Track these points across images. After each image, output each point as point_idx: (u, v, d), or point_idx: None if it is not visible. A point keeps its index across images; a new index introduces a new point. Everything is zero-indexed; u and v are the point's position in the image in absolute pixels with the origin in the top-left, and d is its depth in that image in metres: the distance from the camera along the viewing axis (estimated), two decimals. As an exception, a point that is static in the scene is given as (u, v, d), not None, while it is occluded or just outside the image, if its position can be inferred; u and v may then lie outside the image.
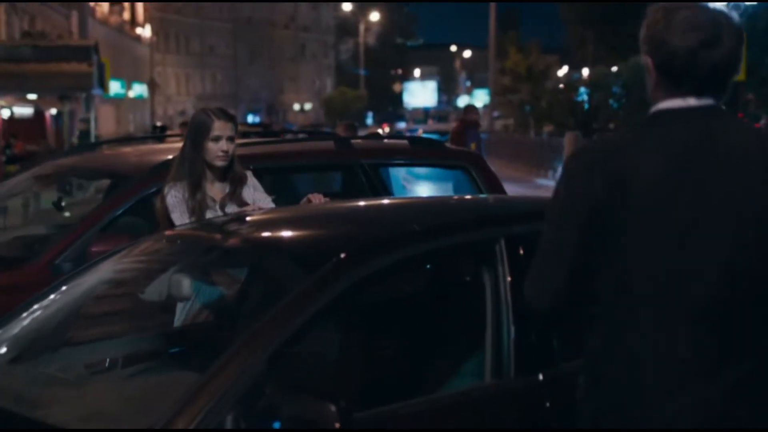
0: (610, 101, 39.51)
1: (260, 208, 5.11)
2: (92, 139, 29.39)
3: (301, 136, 10.76)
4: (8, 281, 5.76)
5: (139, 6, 70.69)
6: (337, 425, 2.87)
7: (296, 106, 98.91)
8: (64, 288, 4.38)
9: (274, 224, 4.38)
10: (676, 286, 2.56)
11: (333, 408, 2.86)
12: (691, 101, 2.64)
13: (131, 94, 62.08)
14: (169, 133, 23.78)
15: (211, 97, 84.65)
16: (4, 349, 4.10)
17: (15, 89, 28.30)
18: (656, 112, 2.68)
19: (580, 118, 40.57)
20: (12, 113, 33.20)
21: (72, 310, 4.41)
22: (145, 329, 4.86)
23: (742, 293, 2.56)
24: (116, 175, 6.62)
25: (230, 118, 5.32)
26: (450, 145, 15.81)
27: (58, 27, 45.38)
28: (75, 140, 27.97)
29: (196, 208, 5.14)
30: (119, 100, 59.85)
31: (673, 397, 2.54)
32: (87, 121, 31.08)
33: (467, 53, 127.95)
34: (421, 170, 8.34)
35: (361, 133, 15.08)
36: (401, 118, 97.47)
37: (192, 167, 5.22)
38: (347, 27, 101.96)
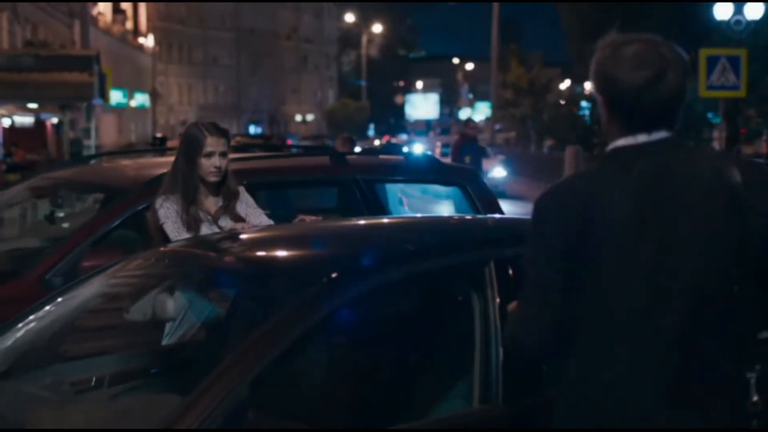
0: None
1: (253, 225, 5.07)
2: (92, 149, 29.38)
3: (296, 151, 10.67)
4: (-1, 295, 5.72)
5: (142, 16, 70.80)
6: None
7: (298, 117, 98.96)
8: (53, 303, 4.34)
9: (265, 243, 4.34)
10: (649, 316, 2.63)
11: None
12: (642, 138, 2.70)
13: (133, 103, 62.09)
14: (169, 144, 23.77)
15: (214, 108, 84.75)
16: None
17: (16, 98, 28.32)
18: (614, 149, 2.74)
19: (582, 132, 40.57)
20: (13, 122, 33.20)
21: (61, 325, 4.38)
22: (134, 346, 4.82)
23: (711, 315, 2.64)
24: (109, 188, 6.58)
25: (223, 134, 5.30)
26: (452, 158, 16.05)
27: (60, 36, 45.42)
28: (66, 149, 27.92)
29: (191, 222, 5.13)
30: (121, 110, 59.87)
31: (652, 417, 2.63)
32: (86, 130, 31.04)
33: (469, 65, 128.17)
34: (416, 187, 8.30)
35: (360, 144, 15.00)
36: (403, 129, 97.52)
37: (186, 182, 5.21)
38: (350, 39, 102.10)
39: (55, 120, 35.16)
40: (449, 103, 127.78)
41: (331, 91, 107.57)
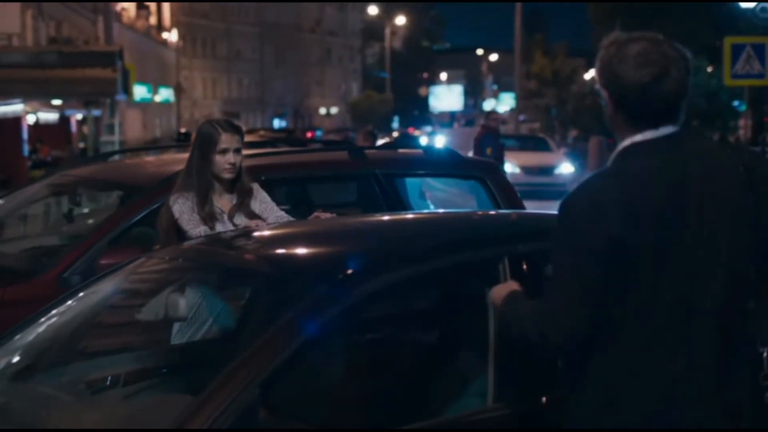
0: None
1: (268, 223, 5.06)
2: (116, 145, 29.47)
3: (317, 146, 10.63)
4: (17, 295, 5.72)
5: (166, 11, 70.99)
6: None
7: (322, 110, 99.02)
8: (70, 301, 4.34)
9: (279, 241, 4.32)
10: (693, 303, 2.75)
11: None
12: (650, 133, 2.81)
13: (157, 98, 62.33)
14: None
15: (238, 102, 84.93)
16: (9, 363, 4.06)
17: (40, 95, 28.45)
18: (631, 144, 2.83)
19: (606, 122, 40.37)
20: (37, 119, 33.37)
21: (78, 323, 4.38)
22: (150, 344, 4.82)
23: (740, 295, 2.82)
24: (128, 186, 6.58)
25: (237, 130, 5.29)
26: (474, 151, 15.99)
27: (84, 32, 45.59)
28: (79, 145, 28.01)
29: (207, 219, 5.12)
30: (146, 105, 60.11)
31: (701, 404, 2.76)
32: (110, 125, 31.15)
33: (494, 57, 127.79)
34: (438, 181, 8.27)
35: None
36: (428, 121, 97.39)
37: (200, 180, 5.20)
38: (373, 31, 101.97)
39: (79, 116, 35.31)
40: (473, 94, 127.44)
41: (355, 83, 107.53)
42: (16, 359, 4.13)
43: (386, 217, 4.88)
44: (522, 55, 46.15)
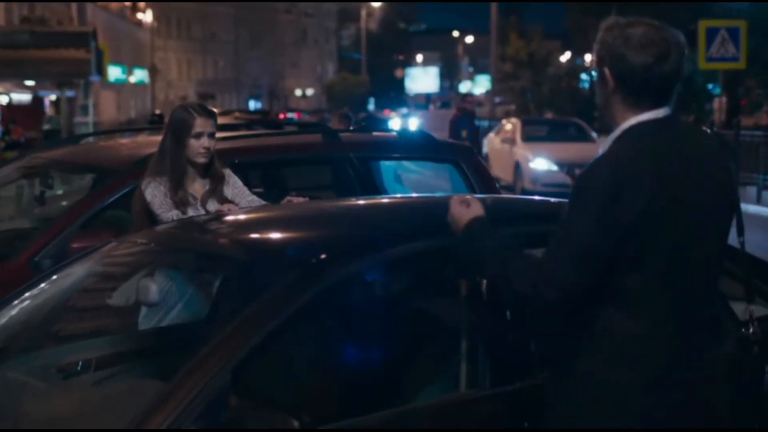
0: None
1: (240, 207, 5.03)
2: (90, 126, 29.30)
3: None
4: (-13, 279, 5.67)
5: (140, -9, 70.54)
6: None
7: (298, 92, 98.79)
8: (42, 285, 4.31)
9: (251, 225, 4.29)
10: (694, 275, 3.00)
11: (296, 423, 2.78)
12: (650, 114, 3.01)
13: (132, 79, 62.06)
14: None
15: (212, 83, 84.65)
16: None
17: (13, 75, 28.28)
18: (635, 125, 3.00)
19: (582, 105, 40.44)
20: (10, 100, 33.15)
21: (50, 307, 4.35)
22: (123, 327, 4.79)
23: (719, 265, 3.15)
24: (100, 169, 6.52)
25: (211, 115, 5.26)
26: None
27: (58, 13, 45.21)
28: (45, 126, 27.79)
29: (180, 204, 5.09)
30: (120, 86, 59.82)
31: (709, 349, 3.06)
32: (84, 106, 30.98)
33: (469, 38, 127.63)
34: (413, 164, 8.25)
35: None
36: (404, 103, 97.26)
37: (174, 164, 5.17)
38: (349, 12, 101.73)
39: (53, 97, 35.10)
40: (449, 76, 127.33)
41: (331, 65, 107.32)
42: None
43: (360, 201, 4.85)
44: (497, 37, 46.14)
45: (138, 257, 4.38)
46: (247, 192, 5.33)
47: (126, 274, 4.53)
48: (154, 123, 30.92)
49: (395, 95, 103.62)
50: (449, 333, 3.66)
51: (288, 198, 5.09)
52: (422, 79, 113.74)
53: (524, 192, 20.05)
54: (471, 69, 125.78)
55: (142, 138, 9.09)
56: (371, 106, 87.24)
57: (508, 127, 23.92)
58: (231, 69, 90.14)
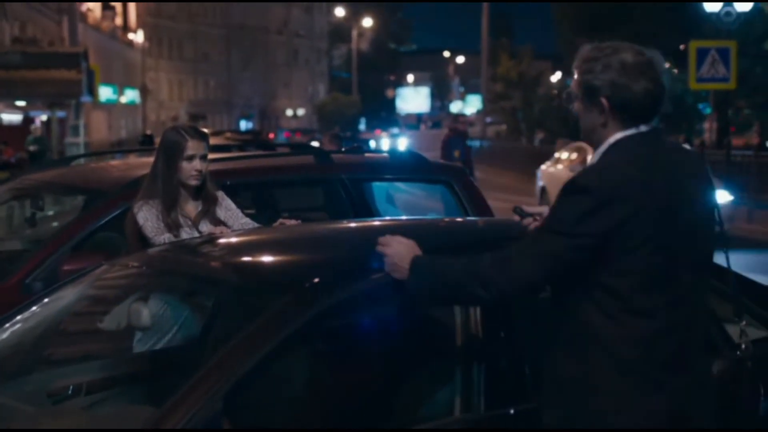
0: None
1: (233, 230, 5.00)
2: (81, 147, 29.23)
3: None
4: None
5: (132, 12, 70.59)
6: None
7: (289, 112, 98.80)
8: (34, 308, 4.28)
9: (245, 248, 4.27)
10: (690, 276, 3.07)
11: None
12: (635, 129, 3.10)
13: (123, 99, 62.01)
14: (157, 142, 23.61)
15: (204, 103, 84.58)
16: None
17: (4, 96, 28.24)
18: (620, 139, 3.09)
19: (572, 125, 40.47)
20: (1, 120, 33.10)
21: (42, 331, 4.32)
22: (115, 352, 4.76)
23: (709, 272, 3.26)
24: (91, 191, 6.49)
25: (203, 137, 5.23)
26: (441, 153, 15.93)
27: (49, 33, 45.25)
28: (30, 147, 27.69)
29: (172, 227, 5.06)
30: (111, 106, 59.75)
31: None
32: (75, 127, 30.90)
33: (460, 59, 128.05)
34: (404, 185, 8.23)
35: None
36: (395, 123, 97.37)
37: (166, 187, 5.13)
38: (340, 33, 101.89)
39: (44, 117, 35.04)
40: (440, 96, 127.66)
41: (322, 85, 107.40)
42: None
43: (353, 224, 4.83)
44: (488, 57, 46.25)
45: (130, 280, 4.36)
46: (241, 215, 5.30)
47: (118, 298, 4.50)
48: (144, 144, 30.87)
49: (386, 115, 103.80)
50: (445, 357, 3.63)
51: (281, 220, 5.07)
52: (413, 99, 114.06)
53: None
54: (462, 89, 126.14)
55: (133, 159, 9.05)
56: (362, 126, 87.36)
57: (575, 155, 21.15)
58: (222, 89, 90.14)
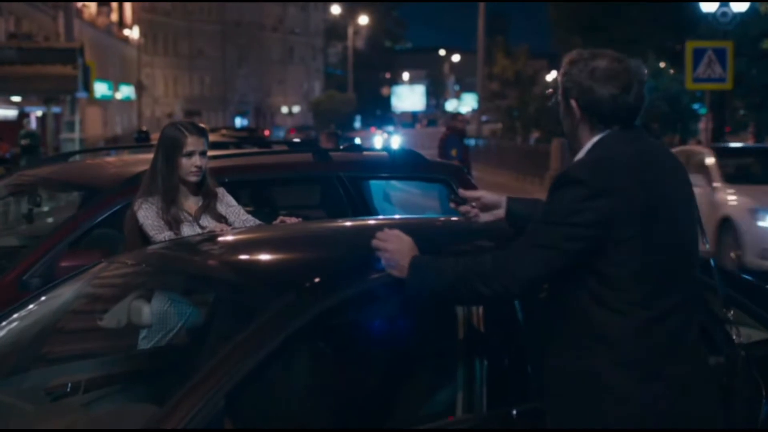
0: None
1: (234, 227, 4.98)
2: (76, 143, 29.17)
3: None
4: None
5: (128, 8, 70.47)
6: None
7: (284, 109, 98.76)
8: (32, 305, 4.26)
9: (245, 247, 4.24)
10: (683, 277, 3.15)
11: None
12: (617, 129, 3.18)
13: (118, 95, 61.88)
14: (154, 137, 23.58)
15: (199, 100, 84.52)
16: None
17: (-1, 91, 28.18)
18: (605, 136, 3.18)
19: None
20: (-5, 115, 33.05)
21: (40, 328, 4.30)
22: (114, 349, 4.74)
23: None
24: (88, 187, 6.47)
25: (202, 133, 5.20)
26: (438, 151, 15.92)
27: (44, 28, 45.18)
28: (21, 141, 27.60)
29: (172, 223, 5.03)
30: (106, 102, 59.67)
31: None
32: (70, 123, 30.85)
33: (456, 57, 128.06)
34: (401, 184, 8.21)
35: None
36: (390, 121, 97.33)
37: (165, 183, 5.11)
38: (336, 30, 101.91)
39: (39, 113, 34.97)
40: (436, 94, 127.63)
41: (318, 82, 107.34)
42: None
43: (353, 223, 4.82)
44: (484, 56, 46.25)
45: (128, 278, 4.34)
46: (242, 211, 5.28)
47: (116, 296, 4.48)
48: (139, 140, 30.78)
49: (381, 113, 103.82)
50: (446, 357, 3.62)
51: (281, 218, 5.05)
52: (408, 97, 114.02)
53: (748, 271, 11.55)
54: (457, 87, 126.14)
55: (130, 156, 9.02)
56: (357, 124, 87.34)
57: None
58: (217, 86, 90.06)
